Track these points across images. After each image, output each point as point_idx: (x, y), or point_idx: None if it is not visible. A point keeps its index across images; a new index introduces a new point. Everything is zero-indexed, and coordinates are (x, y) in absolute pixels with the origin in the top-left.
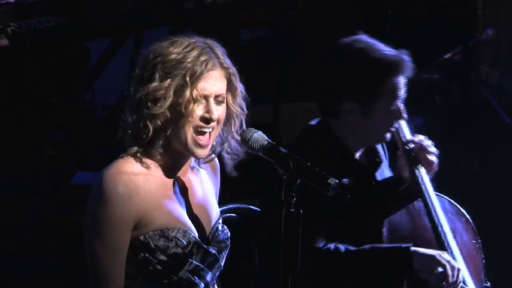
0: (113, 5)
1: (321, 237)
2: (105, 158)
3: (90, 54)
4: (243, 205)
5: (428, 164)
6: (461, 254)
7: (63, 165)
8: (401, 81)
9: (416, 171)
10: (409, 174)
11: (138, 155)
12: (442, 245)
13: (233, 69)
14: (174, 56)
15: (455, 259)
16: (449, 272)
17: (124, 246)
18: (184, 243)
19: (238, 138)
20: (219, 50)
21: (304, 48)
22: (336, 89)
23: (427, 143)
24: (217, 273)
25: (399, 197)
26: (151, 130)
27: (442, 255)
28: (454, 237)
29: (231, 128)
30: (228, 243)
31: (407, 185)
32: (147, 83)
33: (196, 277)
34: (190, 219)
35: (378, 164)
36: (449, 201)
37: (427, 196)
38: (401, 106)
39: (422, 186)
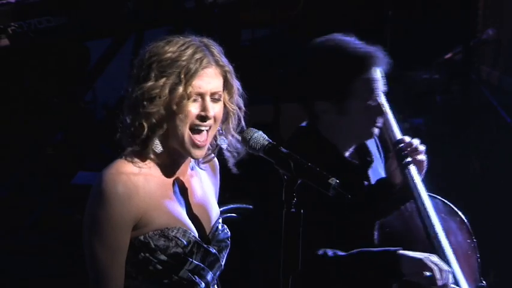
0: (114, 5)
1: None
2: (105, 158)
3: (90, 54)
4: (243, 205)
5: (418, 163)
6: (455, 254)
7: (63, 165)
8: (375, 76)
9: (407, 171)
10: (401, 175)
11: (137, 155)
12: (433, 246)
13: (229, 67)
14: (169, 54)
15: (448, 260)
16: (438, 275)
17: (123, 246)
18: (185, 242)
19: (237, 135)
20: (215, 48)
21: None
22: (306, 89)
23: (416, 142)
24: (217, 273)
25: (391, 198)
26: (146, 129)
27: (431, 258)
28: (448, 237)
29: (229, 126)
30: (228, 242)
31: (399, 186)
32: (142, 83)
33: (196, 276)
34: (190, 219)
35: (369, 163)
36: (443, 201)
37: (418, 196)
38: (381, 101)
39: (414, 187)
